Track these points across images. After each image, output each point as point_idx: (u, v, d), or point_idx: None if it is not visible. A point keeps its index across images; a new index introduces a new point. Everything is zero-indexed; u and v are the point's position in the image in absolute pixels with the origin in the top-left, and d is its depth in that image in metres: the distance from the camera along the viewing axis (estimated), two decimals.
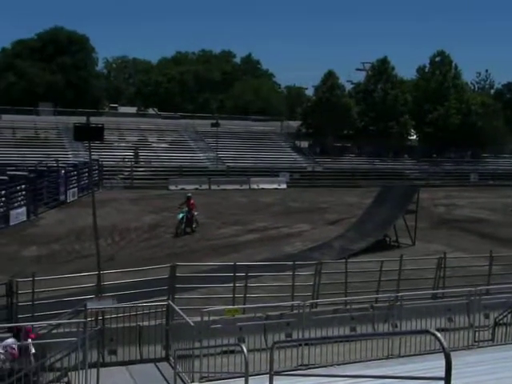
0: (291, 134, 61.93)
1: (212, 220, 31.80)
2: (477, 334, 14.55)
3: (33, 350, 10.69)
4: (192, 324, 11.57)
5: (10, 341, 10.76)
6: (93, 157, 22.39)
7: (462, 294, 15.60)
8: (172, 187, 45.31)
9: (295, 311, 14.11)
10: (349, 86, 65.21)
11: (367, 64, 65.39)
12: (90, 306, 13.06)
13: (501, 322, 14.71)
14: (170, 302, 13.83)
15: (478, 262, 20.40)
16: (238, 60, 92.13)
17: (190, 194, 29.85)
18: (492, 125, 64.56)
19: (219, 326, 12.89)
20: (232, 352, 11.66)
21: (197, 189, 44.39)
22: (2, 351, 10.66)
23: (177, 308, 12.78)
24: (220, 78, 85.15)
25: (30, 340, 10.72)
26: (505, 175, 58.26)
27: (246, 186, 47.65)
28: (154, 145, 55.26)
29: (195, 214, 28.78)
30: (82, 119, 46.24)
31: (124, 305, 13.58)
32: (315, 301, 15.75)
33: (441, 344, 4.81)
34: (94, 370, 10.77)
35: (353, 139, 61.49)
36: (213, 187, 46.57)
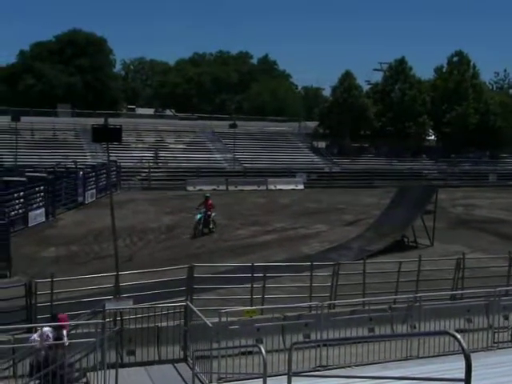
0: (308, 135, 61.81)
1: (229, 221, 31.84)
2: (496, 336, 14.43)
3: (66, 341, 10.71)
4: (210, 325, 11.59)
5: (47, 329, 10.79)
6: (111, 158, 22.50)
7: (481, 294, 15.50)
8: (190, 188, 45.41)
9: (313, 312, 14.08)
10: (366, 87, 65.02)
11: (384, 64, 65.14)
12: (108, 306, 13.12)
13: None
14: (188, 302, 13.86)
15: (496, 262, 20.25)
16: (254, 61, 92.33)
17: (208, 195, 29.92)
18: (511, 124, 64.05)
19: (237, 327, 12.89)
20: (250, 353, 11.67)
21: (214, 189, 44.43)
22: (37, 339, 10.73)
23: (195, 309, 12.81)
24: (237, 79, 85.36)
25: (64, 331, 10.73)
26: None
27: (263, 187, 47.63)
28: (172, 146, 55.39)
29: (213, 214, 28.82)
30: (100, 121, 46.34)
31: (142, 305, 13.63)
32: (333, 302, 15.69)
33: (460, 345, 4.77)
34: (113, 371, 10.79)
35: (370, 140, 61.27)
36: (230, 188, 46.60)
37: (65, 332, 10.71)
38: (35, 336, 10.90)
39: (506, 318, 15.22)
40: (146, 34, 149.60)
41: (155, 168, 49.70)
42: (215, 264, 20.99)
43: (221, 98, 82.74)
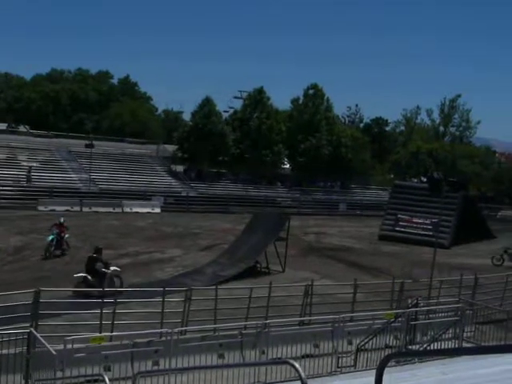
0: (167, 158, 61.70)
1: (82, 243, 30.93)
2: (340, 360, 15.00)
3: None
4: (54, 352, 11.16)
5: None
6: None
7: (328, 320, 16.06)
8: (41, 208, 43.72)
9: (163, 338, 13.95)
10: (226, 114, 66.01)
11: (244, 93, 66.63)
12: None
13: (363, 347, 15.26)
14: (31, 329, 13.26)
15: (343, 289, 21.13)
16: (115, 81, 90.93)
17: (62, 220, 28.87)
18: (360, 157, 67.56)
19: (83, 354, 12.50)
20: (96, 381, 11.34)
21: (68, 210, 43.13)
22: None
23: (38, 335, 12.29)
24: (96, 99, 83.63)
25: None
26: (371, 206, 60.88)
27: (118, 209, 46.82)
28: (24, 163, 53.13)
29: (66, 236, 27.97)
30: None
31: None
32: (184, 328, 15.64)
33: (298, 374, 4.92)
34: None
35: (228, 166, 62.16)
36: (84, 209, 45.37)
37: None
38: None
39: (350, 342, 15.85)
40: (1, 46, 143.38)
41: (4, 186, 47.36)
42: (64, 289, 20.25)
43: (78, 116, 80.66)
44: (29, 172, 49.79)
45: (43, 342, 11.78)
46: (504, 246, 34.93)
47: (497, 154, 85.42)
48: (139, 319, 16.84)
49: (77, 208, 45.07)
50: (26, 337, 12.68)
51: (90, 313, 16.67)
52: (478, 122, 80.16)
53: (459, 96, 79.32)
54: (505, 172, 71.77)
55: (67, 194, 47.62)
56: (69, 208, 44.23)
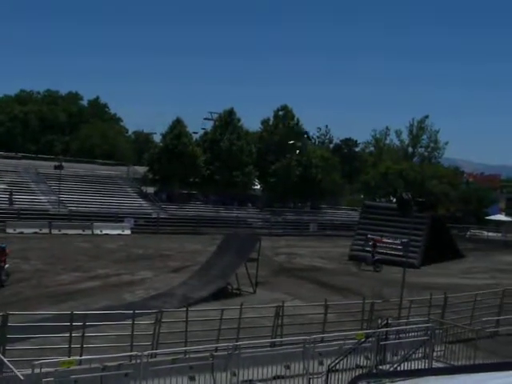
0: (137, 180, 61.49)
1: (51, 266, 30.61)
2: (311, 381, 15.00)
3: None
4: (22, 377, 10.99)
5: None
6: None
7: (299, 341, 16.06)
8: (10, 230, 43.18)
9: (133, 361, 13.81)
10: (196, 135, 66.02)
11: (215, 114, 66.78)
12: None
13: (334, 368, 15.27)
14: None
15: (314, 310, 21.15)
16: (85, 102, 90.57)
17: (4, 245, 26.51)
18: (330, 178, 68.02)
19: (51, 379, 12.31)
20: None
21: (36, 233, 42.69)
22: None
23: (5, 360, 12.09)
24: (66, 120, 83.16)
25: None
26: (341, 226, 61.19)
27: (88, 231, 46.42)
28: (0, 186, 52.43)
29: (6, 266, 25.94)
30: None
31: None
32: (154, 351, 15.51)
33: None
34: None
35: (199, 187, 62.11)
36: (53, 231, 44.91)
37: None
38: None
39: (321, 363, 15.86)
40: None
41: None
42: (32, 312, 19.96)
43: (47, 138, 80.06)
44: (11, 194, 49.20)
45: (10, 366, 11.59)
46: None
47: (465, 174, 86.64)
48: (109, 342, 16.65)
49: (46, 230, 44.60)
50: None
51: (59, 336, 16.44)
52: (446, 143, 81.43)
53: (427, 117, 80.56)
54: (472, 192, 72.75)
55: (36, 216, 47.09)
56: (37, 230, 43.79)
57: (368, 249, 38.51)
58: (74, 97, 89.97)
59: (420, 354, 16.87)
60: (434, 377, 10.57)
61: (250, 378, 14.50)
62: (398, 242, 39.21)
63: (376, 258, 37.10)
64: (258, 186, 69.32)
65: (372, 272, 36.06)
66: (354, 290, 29.38)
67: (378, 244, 38.57)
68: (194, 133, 65.22)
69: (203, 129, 66.88)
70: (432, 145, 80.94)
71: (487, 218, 70.17)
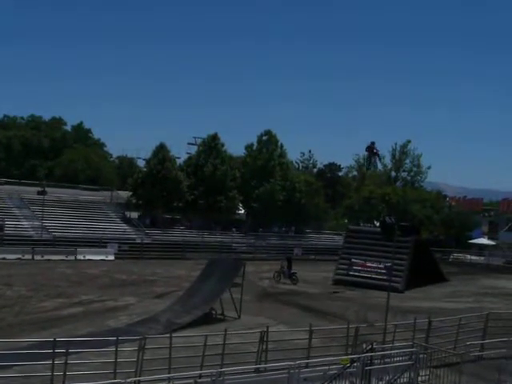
0: (121, 205, 61.29)
1: (33, 292, 30.37)
2: None
3: None
4: None
5: None
6: None
7: (283, 367, 15.99)
8: None
9: None
10: (180, 160, 66.07)
11: (199, 139, 66.95)
12: None
13: None
14: None
15: (299, 335, 21.12)
16: (68, 128, 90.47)
17: None
18: (314, 202, 68.21)
19: None
20: None
21: (19, 259, 42.45)
22: None
23: None
24: (49, 145, 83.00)
25: None
26: (325, 250, 61.21)
27: (72, 257, 46.14)
28: None
29: None
30: None
31: None
32: (138, 378, 15.39)
33: None
34: None
35: (183, 212, 62.01)
36: (36, 257, 44.60)
37: None
38: None
39: None
40: None
41: None
42: (14, 339, 19.77)
43: (31, 163, 79.82)
44: (3, 221, 48.89)
45: None
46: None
47: (447, 198, 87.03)
48: (92, 369, 16.51)
49: (28, 256, 44.29)
50: None
51: (41, 364, 16.28)
52: (429, 167, 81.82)
53: (409, 142, 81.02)
54: (455, 215, 73.12)
55: (19, 242, 46.75)
56: (20, 256, 43.52)
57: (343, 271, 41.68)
58: (58, 122, 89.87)
59: (405, 379, 16.85)
60: None
61: None
62: (381, 266, 39.35)
63: (292, 271, 40.47)
64: (242, 211, 69.35)
65: (356, 296, 36.15)
66: (338, 315, 29.37)
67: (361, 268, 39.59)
68: (177, 158, 65.32)
69: (188, 153, 67.02)
70: (415, 169, 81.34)
71: (470, 241, 70.53)
